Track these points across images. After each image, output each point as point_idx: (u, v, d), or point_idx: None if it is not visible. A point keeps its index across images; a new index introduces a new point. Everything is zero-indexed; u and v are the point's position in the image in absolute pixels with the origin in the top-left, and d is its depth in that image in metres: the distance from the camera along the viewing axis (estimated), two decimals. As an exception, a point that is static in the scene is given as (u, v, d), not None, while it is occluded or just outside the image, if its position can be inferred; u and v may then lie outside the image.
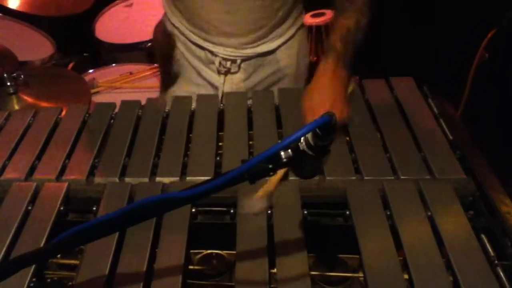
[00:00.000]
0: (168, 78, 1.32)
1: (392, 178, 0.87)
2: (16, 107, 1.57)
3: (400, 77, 1.10)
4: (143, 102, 1.11)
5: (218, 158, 0.94)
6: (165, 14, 1.28)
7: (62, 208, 0.85)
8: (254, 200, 0.80)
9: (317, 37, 2.16)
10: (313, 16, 2.18)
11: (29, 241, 0.79)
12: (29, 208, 0.85)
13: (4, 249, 0.78)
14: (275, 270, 0.72)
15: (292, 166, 0.59)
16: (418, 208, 0.80)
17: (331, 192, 0.86)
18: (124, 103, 1.11)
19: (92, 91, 1.91)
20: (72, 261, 0.81)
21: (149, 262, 0.74)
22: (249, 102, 1.09)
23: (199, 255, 0.82)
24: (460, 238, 0.75)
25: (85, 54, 2.30)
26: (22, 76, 1.61)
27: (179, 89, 1.29)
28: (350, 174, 0.88)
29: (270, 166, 0.56)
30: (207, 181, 0.56)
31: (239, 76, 1.22)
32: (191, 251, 0.80)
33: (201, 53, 1.21)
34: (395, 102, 1.04)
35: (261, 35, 1.17)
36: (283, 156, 0.56)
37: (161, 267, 0.74)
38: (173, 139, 0.99)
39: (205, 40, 1.18)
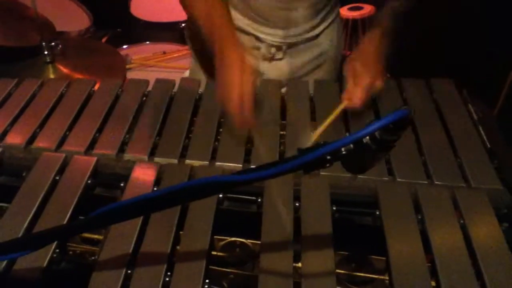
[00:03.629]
0: (204, 60, 1.28)
1: (426, 182, 0.84)
2: (52, 76, 1.58)
3: (440, 78, 1.06)
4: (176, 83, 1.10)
5: (248, 145, 0.92)
6: None
7: (89, 182, 0.85)
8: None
9: (352, 30, 2.13)
10: (350, 9, 2.14)
11: (55, 211, 0.79)
12: (57, 178, 0.86)
13: (30, 217, 0.78)
14: (299, 264, 0.71)
15: (348, 159, 0.54)
16: (451, 215, 0.78)
17: (362, 191, 0.84)
18: (158, 81, 1.10)
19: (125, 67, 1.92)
20: (95, 236, 0.81)
21: (173, 244, 0.74)
22: (283, 90, 1.07)
23: (223, 242, 0.81)
24: (492, 249, 0.73)
25: (119, 30, 2.30)
26: (59, 45, 1.62)
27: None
28: (382, 174, 0.86)
29: (328, 157, 0.52)
30: (262, 167, 0.53)
31: (283, 61, 1.20)
32: (215, 237, 0.80)
33: (245, 38, 1.18)
34: (433, 104, 1.01)
35: (313, 25, 1.17)
36: (343, 148, 0.52)
37: (184, 250, 0.73)
38: (205, 122, 0.98)
39: (253, 28, 1.16)
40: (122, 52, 2.05)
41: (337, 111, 0.93)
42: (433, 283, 0.69)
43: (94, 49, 1.84)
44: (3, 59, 1.60)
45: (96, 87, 1.09)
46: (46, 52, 1.58)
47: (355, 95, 0.93)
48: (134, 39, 2.20)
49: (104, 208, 0.56)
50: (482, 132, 0.94)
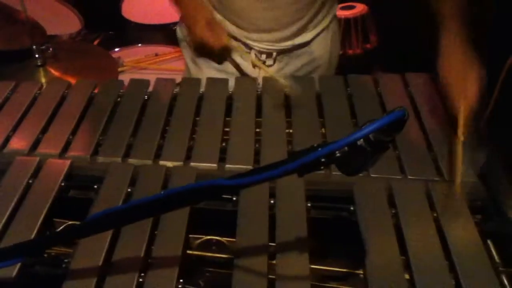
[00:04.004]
0: (196, 68, 1.28)
1: (400, 177, 0.85)
2: (43, 79, 1.57)
3: (415, 72, 1.07)
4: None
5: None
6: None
7: (63, 184, 0.85)
8: None
9: (345, 30, 2.12)
10: (343, 8, 2.14)
11: (29, 214, 0.79)
12: (30, 182, 0.85)
13: (3, 221, 0.78)
14: (275, 262, 0.71)
15: (343, 162, 0.54)
16: (425, 209, 0.78)
17: (337, 187, 0.84)
18: (133, 82, 1.10)
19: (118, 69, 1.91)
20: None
21: (148, 245, 0.74)
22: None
23: (199, 240, 0.81)
24: (465, 242, 0.73)
25: (111, 32, 2.28)
26: (50, 48, 1.60)
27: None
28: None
29: (323, 160, 0.52)
30: (256, 171, 0.53)
31: (274, 68, 1.19)
32: (191, 235, 0.79)
33: (235, 43, 1.17)
34: (408, 98, 1.01)
35: (299, 27, 1.15)
36: (337, 151, 0.51)
37: (159, 250, 0.73)
38: (180, 122, 0.98)
39: (242, 35, 1.16)
40: (114, 55, 2.03)
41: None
42: (407, 276, 0.70)
43: (86, 52, 1.83)
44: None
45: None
46: (37, 55, 1.56)
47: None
48: (126, 42, 2.18)
49: (97, 214, 0.55)
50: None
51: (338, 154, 0.51)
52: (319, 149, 0.50)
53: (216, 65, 1.21)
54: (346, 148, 0.51)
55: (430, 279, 0.68)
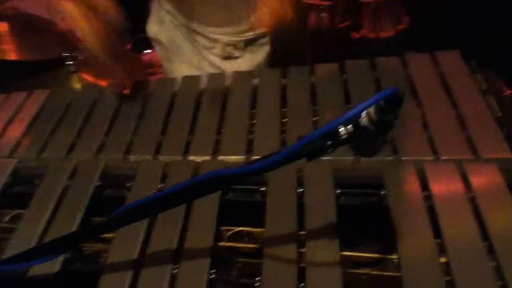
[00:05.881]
0: (170, 65, 1.30)
1: (432, 158, 0.82)
2: (77, 85, 1.62)
3: (446, 51, 1.03)
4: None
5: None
6: (156, 1, 1.27)
7: (98, 184, 0.88)
8: None
9: (375, 13, 2.05)
10: None
11: (67, 214, 0.82)
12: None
13: (45, 222, 0.82)
14: (304, 250, 0.71)
15: (352, 143, 0.55)
16: (460, 191, 0.76)
17: (366, 172, 0.83)
18: (159, 81, 1.12)
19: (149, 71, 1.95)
20: (110, 235, 0.84)
21: (180, 238, 0.75)
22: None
23: (230, 232, 0.82)
24: (504, 223, 0.70)
25: (142, 35, 2.33)
26: (81, 55, 1.66)
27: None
28: (386, 154, 0.84)
29: (329, 142, 0.53)
30: (263, 158, 0.54)
31: (243, 59, 1.21)
32: (223, 227, 0.81)
33: (201, 39, 1.20)
34: (439, 77, 0.97)
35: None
36: (342, 132, 0.52)
37: (191, 242, 0.74)
38: (207, 117, 0.99)
39: (205, 30, 1.18)
40: (145, 58, 2.08)
41: None
42: (443, 260, 0.68)
43: (118, 56, 1.88)
44: (28, 73, 1.65)
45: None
46: (68, 63, 1.62)
47: (263, 17, 0.97)
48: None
49: (121, 208, 0.59)
50: (490, 100, 0.91)
51: (344, 136, 0.51)
52: (320, 128, 0.51)
53: (188, 60, 1.23)
54: (351, 129, 0.51)
55: (467, 262, 0.66)
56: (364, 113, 0.51)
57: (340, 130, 0.52)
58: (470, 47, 1.04)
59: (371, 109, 0.51)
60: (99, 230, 0.67)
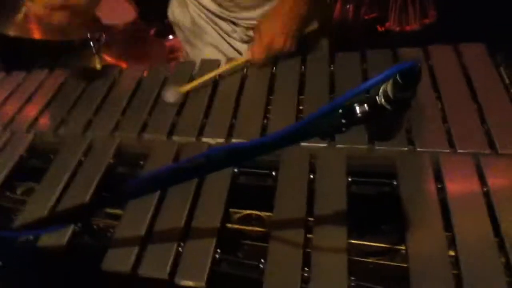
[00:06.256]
0: (191, 49, 1.30)
1: (448, 151, 0.80)
2: (98, 66, 1.66)
3: (470, 43, 1.00)
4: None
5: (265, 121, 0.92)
6: None
7: (112, 161, 0.89)
8: (174, 92, 0.96)
9: (402, 5, 2.02)
10: None
11: (80, 188, 0.84)
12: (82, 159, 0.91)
13: (57, 195, 0.84)
14: (311, 236, 0.71)
15: (368, 124, 0.53)
16: (474, 184, 0.74)
17: (380, 161, 0.81)
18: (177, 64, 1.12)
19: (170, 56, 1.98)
20: (119, 212, 0.85)
21: (188, 217, 0.76)
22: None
23: (239, 215, 0.82)
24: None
25: (166, 21, 2.34)
26: (105, 38, 1.69)
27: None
28: (402, 144, 0.82)
29: (344, 121, 0.50)
30: (275, 132, 0.52)
31: None
32: (232, 210, 0.81)
33: (222, 23, 1.19)
34: (462, 69, 0.95)
35: None
36: (358, 111, 0.50)
37: (199, 222, 0.75)
38: (222, 101, 0.99)
39: (227, 14, 1.17)
40: (168, 44, 2.09)
41: (236, 63, 1.02)
42: (451, 253, 0.66)
43: (140, 40, 1.91)
44: (54, 52, 1.69)
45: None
46: (92, 44, 1.65)
47: (257, 51, 1.00)
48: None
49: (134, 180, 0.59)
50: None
51: (359, 115, 0.49)
52: (335, 100, 0.49)
53: (211, 42, 1.23)
54: (367, 108, 0.49)
55: (476, 257, 0.64)
56: (381, 92, 0.49)
57: (356, 108, 0.50)
58: (498, 43, 1.01)
59: (388, 87, 0.48)
60: (110, 200, 0.68)
